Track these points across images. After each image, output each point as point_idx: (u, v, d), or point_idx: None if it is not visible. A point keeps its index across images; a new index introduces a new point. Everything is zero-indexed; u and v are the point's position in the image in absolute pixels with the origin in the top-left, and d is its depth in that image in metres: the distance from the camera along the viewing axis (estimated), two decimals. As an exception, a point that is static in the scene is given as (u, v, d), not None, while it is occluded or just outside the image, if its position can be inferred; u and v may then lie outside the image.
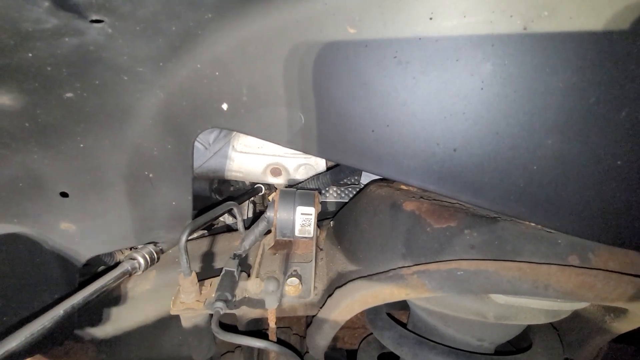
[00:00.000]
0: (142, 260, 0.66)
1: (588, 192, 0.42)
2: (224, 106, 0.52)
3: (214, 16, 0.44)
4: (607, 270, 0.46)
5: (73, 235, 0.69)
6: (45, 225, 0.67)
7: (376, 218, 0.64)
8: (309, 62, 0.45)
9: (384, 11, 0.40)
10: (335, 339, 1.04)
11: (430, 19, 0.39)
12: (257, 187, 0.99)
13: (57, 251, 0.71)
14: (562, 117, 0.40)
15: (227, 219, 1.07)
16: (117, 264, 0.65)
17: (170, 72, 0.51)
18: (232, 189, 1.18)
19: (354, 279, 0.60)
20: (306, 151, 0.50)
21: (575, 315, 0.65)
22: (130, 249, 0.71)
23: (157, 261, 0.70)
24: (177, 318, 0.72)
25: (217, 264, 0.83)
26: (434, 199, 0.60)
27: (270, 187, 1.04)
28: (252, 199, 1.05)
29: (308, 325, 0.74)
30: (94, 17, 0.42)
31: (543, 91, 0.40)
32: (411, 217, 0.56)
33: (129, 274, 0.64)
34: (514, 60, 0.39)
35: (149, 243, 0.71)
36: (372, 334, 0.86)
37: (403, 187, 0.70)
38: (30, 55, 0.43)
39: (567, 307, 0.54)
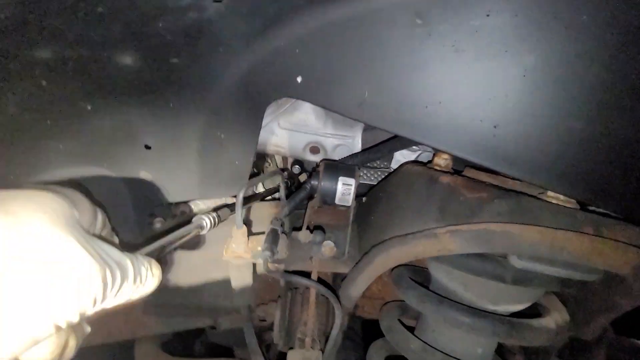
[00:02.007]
0: (208, 221, 0.75)
1: (612, 169, 0.51)
2: (299, 79, 0.62)
3: (305, 3, 0.54)
4: (616, 240, 0.54)
5: (149, 183, 0.81)
6: (128, 171, 0.79)
7: (412, 189, 0.73)
8: (379, 46, 0.55)
9: (448, 7, 0.50)
10: (354, 307, 1.13)
11: (487, 15, 0.48)
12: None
13: (133, 196, 0.82)
14: (589, 106, 0.49)
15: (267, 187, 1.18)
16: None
17: (257, 48, 0.61)
18: (266, 164, 1.30)
19: (390, 238, 0.69)
20: (367, 122, 0.60)
21: (581, 291, 0.73)
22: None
23: (216, 226, 0.78)
24: (218, 271, 0.81)
25: (257, 228, 0.93)
26: (469, 178, 0.69)
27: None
28: (286, 174, 1.14)
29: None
30: (217, -3, 0.52)
31: (576, 82, 0.48)
32: (447, 188, 0.65)
33: (200, 229, 0.73)
34: (554, 54, 0.47)
35: (212, 210, 0.79)
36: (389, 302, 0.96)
37: (437, 167, 0.79)
38: (160, 25, 0.54)
39: (577, 276, 0.62)
